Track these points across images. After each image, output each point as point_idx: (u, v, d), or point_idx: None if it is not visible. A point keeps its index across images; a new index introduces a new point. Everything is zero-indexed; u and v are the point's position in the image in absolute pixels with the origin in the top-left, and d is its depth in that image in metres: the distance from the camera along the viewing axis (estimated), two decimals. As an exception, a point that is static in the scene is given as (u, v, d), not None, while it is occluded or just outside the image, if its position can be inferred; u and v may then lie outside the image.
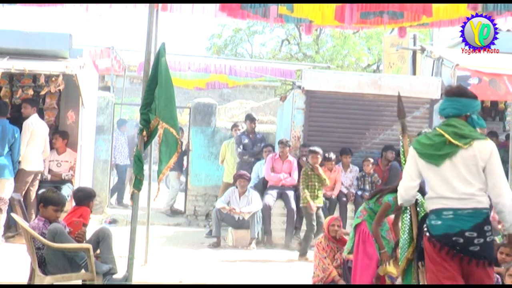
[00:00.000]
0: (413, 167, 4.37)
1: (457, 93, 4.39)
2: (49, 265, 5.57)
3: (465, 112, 4.32)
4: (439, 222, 4.17)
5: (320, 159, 9.16)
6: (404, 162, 4.80)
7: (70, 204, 7.57)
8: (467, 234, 4.08)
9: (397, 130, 10.64)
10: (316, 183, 9.05)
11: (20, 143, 8.52)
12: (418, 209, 4.74)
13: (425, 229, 4.27)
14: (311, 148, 9.34)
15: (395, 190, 5.07)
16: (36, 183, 8.82)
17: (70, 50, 9.54)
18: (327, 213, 9.84)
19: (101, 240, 5.93)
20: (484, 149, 4.20)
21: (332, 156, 9.95)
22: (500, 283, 5.30)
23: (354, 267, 6.14)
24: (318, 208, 9.05)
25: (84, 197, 6.50)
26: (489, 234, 4.13)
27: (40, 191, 8.07)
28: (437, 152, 4.25)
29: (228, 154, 11.36)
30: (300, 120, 10.61)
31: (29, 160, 8.66)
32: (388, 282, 5.93)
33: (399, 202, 4.56)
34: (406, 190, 4.43)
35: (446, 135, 4.25)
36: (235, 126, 11.74)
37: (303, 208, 9.11)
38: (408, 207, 4.79)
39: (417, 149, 4.36)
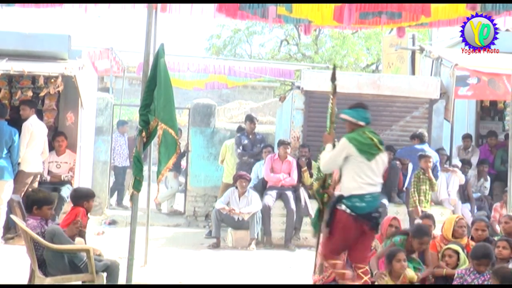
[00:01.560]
0: (343, 156, 5.58)
1: (367, 107, 5.94)
2: (49, 266, 5.56)
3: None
4: (364, 204, 5.45)
5: (432, 164, 9.24)
6: (328, 124, 6.17)
7: (69, 206, 7.56)
8: (379, 209, 5.64)
9: (396, 130, 10.65)
10: (427, 187, 9.11)
11: (19, 144, 8.51)
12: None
13: (348, 210, 5.44)
14: (422, 153, 9.43)
15: (405, 233, 6.29)
16: (36, 185, 8.82)
17: (69, 51, 9.54)
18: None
19: (109, 274, 5.84)
20: (385, 156, 5.78)
21: None
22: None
23: None
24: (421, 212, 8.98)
25: (79, 197, 6.48)
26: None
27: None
28: (371, 151, 5.54)
29: (228, 155, 11.36)
30: (300, 120, 10.61)
31: (28, 161, 8.66)
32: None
33: (322, 169, 5.86)
34: (329, 167, 5.75)
35: (375, 140, 5.59)
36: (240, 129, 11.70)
37: (410, 211, 9.20)
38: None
39: (356, 146, 5.55)
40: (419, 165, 9.44)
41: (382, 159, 5.65)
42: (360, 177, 5.49)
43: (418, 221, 7.79)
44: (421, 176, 9.16)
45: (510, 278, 4.95)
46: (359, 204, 5.45)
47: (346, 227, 5.48)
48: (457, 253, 6.13)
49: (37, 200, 5.83)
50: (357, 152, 5.52)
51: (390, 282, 5.89)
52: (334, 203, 5.63)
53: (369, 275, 5.66)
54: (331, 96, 6.12)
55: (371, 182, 5.52)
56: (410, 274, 5.96)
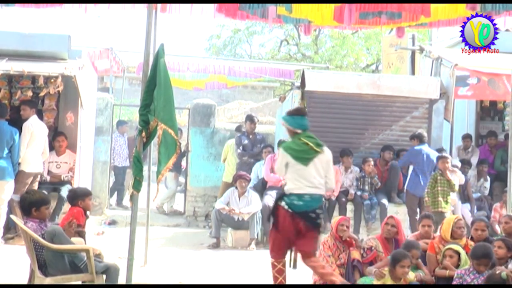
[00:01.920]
0: (284, 164, 6.02)
1: (305, 113, 6.24)
2: (49, 266, 5.56)
3: (308, 127, 6.15)
4: (301, 203, 5.87)
5: (449, 164, 9.23)
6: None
7: (68, 206, 7.56)
8: (317, 211, 5.92)
9: (396, 130, 10.65)
10: (446, 188, 9.09)
11: (20, 144, 8.51)
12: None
13: (286, 206, 5.88)
14: (440, 154, 9.45)
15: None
16: (36, 185, 8.81)
17: (69, 51, 9.54)
18: (326, 214, 9.86)
19: (108, 276, 5.83)
20: (328, 153, 6.08)
21: None
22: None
23: None
24: (443, 213, 8.89)
25: (75, 197, 6.48)
26: (323, 212, 6.08)
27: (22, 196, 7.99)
28: (306, 156, 5.94)
29: (230, 154, 11.36)
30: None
31: (28, 161, 8.66)
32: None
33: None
34: (280, 175, 6.51)
35: (311, 144, 5.95)
36: (240, 127, 11.68)
37: (434, 213, 9.09)
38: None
39: (291, 154, 5.99)
40: (434, 166, 9.51)
41: (322, 159, 6.01)
42: (299, 181, 5.94)
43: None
44: (439, 178, 9.12)
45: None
46: (297, 202, 5.90)
47: (284, 222, 5.95)
48: (458, 253, 6.12)
49: (35, 201, 5.80)
50: (293, 160, 5.97)
51: (389, 281, 5.91)
52: (276, 200, 6.15)
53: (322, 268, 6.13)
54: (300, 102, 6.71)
55: (310, 185, 5.93)
56: (410, 277, 5.97)
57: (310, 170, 5.95)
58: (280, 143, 10.16)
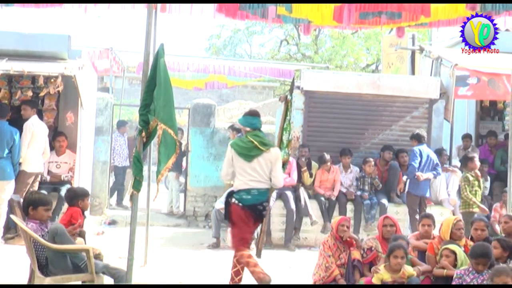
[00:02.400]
0: (230, 161, 6.46)
1: (257, 114, 6.67)
2: (51, 265, 5.56)
3: (260, 127, 6.54)
4: (249, 197, 6.35)
5: (479, 165, 9.34)
6: (285, 128, 7.12)
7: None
8: (264, 203, 6.42)
9: (396, 130, 10.66)
10: (477, 188, 9.19)
11: (21, 144, 8.52)
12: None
13: (236, 201, 6.35)
14: (469, 155, 9.49)
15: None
16: (36, 185, 8.82)
17: (69, 51, 9.54)
18: (326, 214, 9.87)
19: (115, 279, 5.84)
20: (275, 153, 6.46)
21: (327, 157, 9.98)
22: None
23: None
24: (474, 213, 8.94)
25: (73, 197, 6.49)
26: (268, 204, 6.57)
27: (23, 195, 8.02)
28: (250, 153, 6.38)
29: None
30: (299, 120, 10.61)
31: (29, 161, 8.66)
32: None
33: (222, 178, 7.09)
34: (225, 174, 6.61)
35: (255, 142, 6.35)
36: (233, 129, 11.61)
37: (465, 213, 9.12)
38: None
39: (236, 150, 6.43)
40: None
41: (266, 157, 6.40)
42: (243, 176, 6.41)
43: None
44: (471, 178, 9.19)
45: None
46: (245, 197, 6.37)
47: (237, 216, 6.41)
48: (454, 253, 6.12)
49: (33, 200, 5.81)
50: (237, 155, 6.42)
51: (386, 275, 5.92)
52: (226, 198, 6.62)
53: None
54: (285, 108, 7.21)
55: (254, 179, 6.38)
56: (410, 270, 5.97)
57: (254, 166, 6.38)
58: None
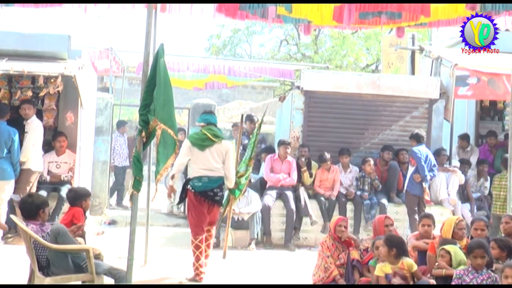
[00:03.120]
0: (186, 151, 7.19)
1: (211, 112, 7.60)
2: (53, 266, 5.56)
3: (215, 122, 7.39)
4: (200, 184, 7.13)
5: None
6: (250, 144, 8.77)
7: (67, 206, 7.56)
8: (215, 190, 7.16)
9: (396, 130, 10.65)
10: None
11: (27, 144, 8.61)
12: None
13: (190, 188, 7.16)
14: (506, 155, 9.38)
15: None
16: (35, 184, 8.83)
17: (69, 51, 9.54)
18: (326, 214, 9.87)
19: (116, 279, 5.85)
20: (226, 146, 7.28)
21: (327, 156, 9.98)
22: (498, 283, 5.31)
23: None
24: None
25: (75, 197, 6.48)
26: (222, 191, 7.30)
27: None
28: (203, 143, 7.15)
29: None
30: (299, 120, 10.61)
31: (34, 160, 8.72)
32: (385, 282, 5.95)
33: (174, 171, 7.33)
34: (179, 164, 7.25)
35: (209, 135, 7.15)
36: (235, 125, 11.64)
37: (496, 216, 9.19)
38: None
39: (191, 140, 7.23)
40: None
41: (218, 148, 7.20)
42: (196, 164, 7.18)
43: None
44: (504, 183, 9.19)
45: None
46: (197, 184, 7.14)
47: (191, 202, 7.20)
48: (449, 253, 6.09)
49: (41, 204, 5.82)
50: (192, 145, 7.18)
51: (387, 267, 5.92)
52: (183, 185, 7.40)
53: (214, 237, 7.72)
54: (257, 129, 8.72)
55: (206, 167, 7.12)
56: (409, 262, 5.96)
57: (206, 155, 7.14)
58: (280, 143, 10.20)
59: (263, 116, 8.78)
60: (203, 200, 7.14)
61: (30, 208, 5.77)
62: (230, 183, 7.59)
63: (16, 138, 8.46)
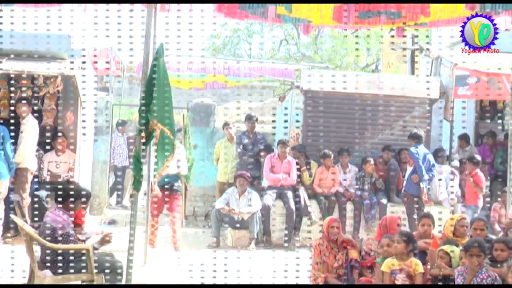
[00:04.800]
0: None
1: None
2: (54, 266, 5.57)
3: None
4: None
5: None
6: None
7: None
8: (168, 184, 8.97)
9: (396, 129, 10.65)
10: None
11: (25, 143, 8.60)
12: None
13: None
14: None
15: None
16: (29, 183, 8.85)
17: (69, 51, 9.53)
18: (326, 214, 9.86)
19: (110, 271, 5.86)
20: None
21: (329, 152, 9.99)
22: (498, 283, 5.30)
23: None
24: None
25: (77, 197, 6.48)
26: None
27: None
28: None
29: (222, 153, 11.28)
30: (299, 120, 10.60)
31: (30, 158, 8.72)
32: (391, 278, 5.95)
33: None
34: None
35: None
36: (226, 125, 11.53)
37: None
38: None
39: None
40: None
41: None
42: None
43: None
44: None
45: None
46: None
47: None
48: (448, 255, 6.07)
49: (76, 195, 5.86)
50: None
51: (394, 262, 5.93)
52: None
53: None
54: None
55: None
56: (417, 262, 5.97)
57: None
58: (280, 142, 10.20)
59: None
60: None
61: (62, 195, 5.79)
62: None
63: (6, 134, 8.41)
